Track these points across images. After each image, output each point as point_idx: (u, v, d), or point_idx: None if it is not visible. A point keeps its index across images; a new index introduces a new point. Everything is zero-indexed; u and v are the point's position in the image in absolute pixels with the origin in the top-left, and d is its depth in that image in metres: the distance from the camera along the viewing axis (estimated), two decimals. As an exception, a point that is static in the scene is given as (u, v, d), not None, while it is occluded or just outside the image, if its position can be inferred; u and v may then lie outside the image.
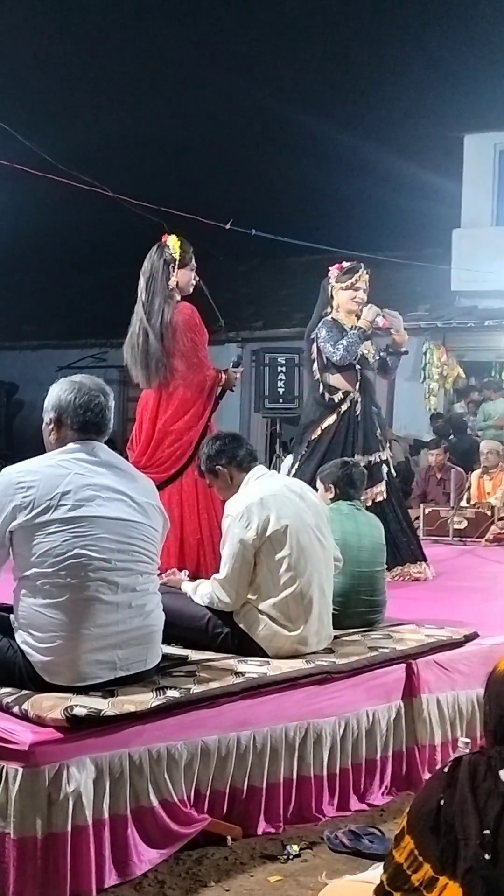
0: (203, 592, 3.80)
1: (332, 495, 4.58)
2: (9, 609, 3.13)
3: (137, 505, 3.14)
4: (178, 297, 5.05)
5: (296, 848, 3.13)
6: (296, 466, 5.98)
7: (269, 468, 4.34)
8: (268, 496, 3.76)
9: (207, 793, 3.12)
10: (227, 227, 8.56)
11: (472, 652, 4.09)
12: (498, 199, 15.31)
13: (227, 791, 3.18)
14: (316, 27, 16.64)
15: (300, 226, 12.50)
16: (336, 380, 6.02)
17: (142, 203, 8.02)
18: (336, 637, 3.95)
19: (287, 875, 2.97)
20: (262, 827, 3.23)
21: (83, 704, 2.84)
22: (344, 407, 5.99)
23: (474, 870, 1.70)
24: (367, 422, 6.02)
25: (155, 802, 2.94)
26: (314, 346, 6.06)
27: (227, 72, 15.98)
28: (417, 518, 8.60)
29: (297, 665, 3.53)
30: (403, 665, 3.78)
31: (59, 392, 3.17)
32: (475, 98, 15.25)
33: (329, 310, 6.11)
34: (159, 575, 3.37)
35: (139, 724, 2.92)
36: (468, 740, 3.54)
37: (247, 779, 3.22)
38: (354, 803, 3.53)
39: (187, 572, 4.51)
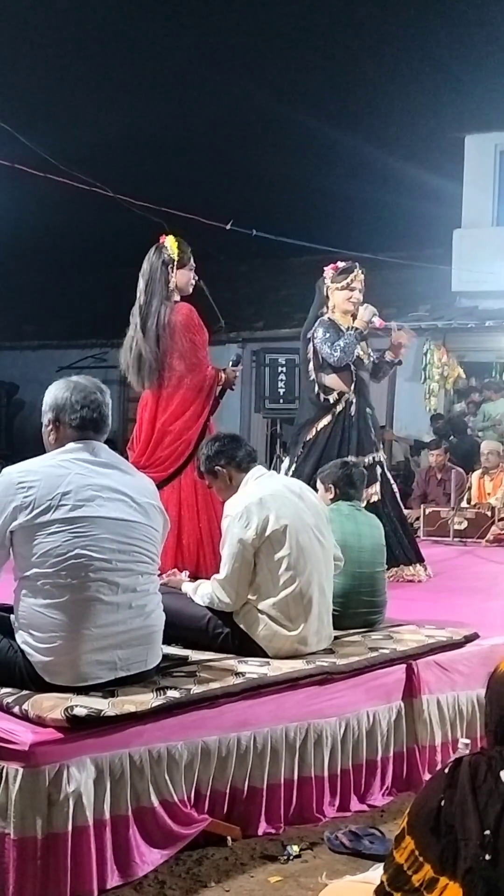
0: (203, 593, 3.80)
1: (331, 496, 4.58)
2: (9, 609, 3.13)
3: (138, 505, 3.14)
4: (178, 298, 5.06)
5: (296, 848, 3.13)
6: (292, 468, 5.96)
7: (269, 469, 4.35)
8: (267, 496, 3.76)
9: (208, 793, 3.12)
10: (228, 227, 8.56)
11: (473, 652, 4.10)
12: (498, 199, 15.30)
13: (228, 791, 3.18)
14: (317, 27, 16.65)
15: (301, 226, 12.50)
16: (331, 380, 5.99)
17: (142, 203, 8.02)
18: (336, 637, 3.95)
19: (287, 876, 2.97)
20: (262, 827, 3.23)
21: (83, 704, 2.84)
22: (339, 407, 5.97)
23: (474, 870, 1.70)
24: (362, 422, 6.00)
25: (156, 803, 2.94)
26: (310, 345, 6.03)
27: (228, 72, 15.99)
28: (418, 518, 8.60)
29: (297, 665, 3.53)
30: (404, 666, 3.78)
31: (55, 392, 3.18)
32: (476, 98, 15.26)
33: (325, 310, 6.09)
34: (160, 575, 3.37)
35: (139, 724, 2.92)
36: (468, 741, 3.53)
37: (247, 779, 3.22)
38: (355, 804, 3.53)
39: (188, 573, 4.51)
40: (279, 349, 14.27)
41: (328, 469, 4.74)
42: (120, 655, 3.05)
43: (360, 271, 6.05)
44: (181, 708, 3.04)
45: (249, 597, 3.72)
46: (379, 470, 6.00)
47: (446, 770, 1.82)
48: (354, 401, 5.99)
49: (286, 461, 6.42)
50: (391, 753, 3.70)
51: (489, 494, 8.99)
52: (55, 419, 3.17)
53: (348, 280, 6.01)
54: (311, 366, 6.04)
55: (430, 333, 14.61)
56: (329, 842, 3.18)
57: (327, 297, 6.09)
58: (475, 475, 9.44)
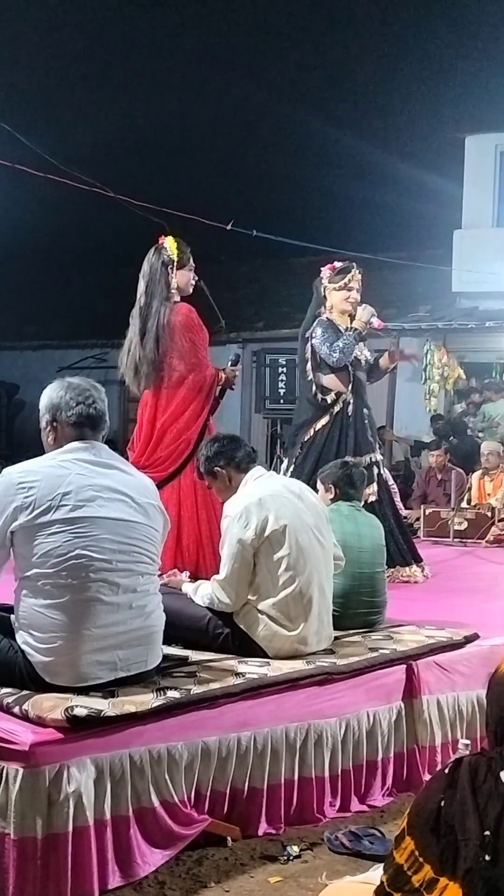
0: (203, 593, 3.81)
1: (331, 496, 4.58)
2: (9, 609, 3.13)
3: (138, 505, 3.14)
4: (178, 298, 5.06)
5: (296, 849, 3.13)
6: (290, 469, 5.93)
7: (270, 469, 4.35)
8: (266, 496, 3.76)
9: (208, 793, 3.12)
10: (229, 227, 8.55)
11: (473, 653, 4.10)
12: (499, 200, 15.31)
13: (228, 792, 3.18)
14: (317, 27, 16.63)
15: (301, 226, 12.50)
16: (329, 380, 5.97)
17: (143, 203, 8.00)
18: (336, 638, 3.95)
19: (287, 876, 2.98)
20: (262, 828, 3.23)
21: (83, 705, 2.84)
22: (336, 408, 5.95)
23: (474, 871, 1.70)
24: (359, 423, 5.98)
25: (156, 803, 2.94)
26: (308, 345, 6.01)
27: (229, 72, 15.98)
28: (418, 519, 8.60)
29: (297, 666, 3.53)
30: (404, 666, 3.79)
31: (50, 394, 3.20)
32: (476, 99, 15.25)
33: (322, 310, 6.06)
34: (160, 576, 3.37)
35: (139, 724, 2.92)
36: (468, 742, 3.53)
37: (247, 780, 3.22)
38: (355, 804, 3.53)
39: (188, 573, 4.51)
40: (280, 349, 14.29)
41: (328, 469, 4.74)
42: (120, 656, 3.05)
43: (357, 271, 6.03)
44: (181, 708, 3.04)
45: (249, 597, 3.72)
46: (376, 470, 5.99)
47: (446, 770, 1.82)
48: (352, 401, 5.97)
49: (285, 462, 6.41)
50: (391, 754, 3.70)
51: (489, 495, 8.99)
52: (52, 419, 3.18)
53: (346, 280, 5.99)
54: (308, 366, 6.02)
55: (431, 334, 14.61)
56: (329, 842, 3.18)
57: (325, 297, 6.06)
58: (475, 476, 9.44)
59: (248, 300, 17.96)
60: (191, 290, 5.15)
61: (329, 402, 5.96)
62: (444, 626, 4.33)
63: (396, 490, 6.30)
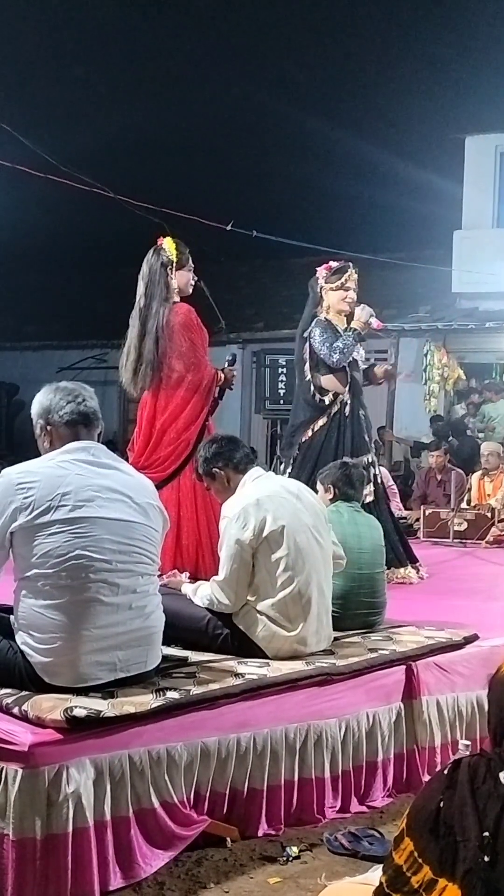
0: (202, 594, 3.81)
1: (331, 496, 4.58)
2: (9, 610, 3.13)
3: (137, 505, 3.14)
4: (177, 299, 5.06)
5: (295, 850, 3.13)
6: (288, 470, 5.89)
7: (270, 469, 4.34)
8: (264, 497, 3.76)
9: (207, 794, 3.12)
10: (229, 228, 8.56)
11: (472, 654, 4.10)
12: (499, 200, 15.31)
13: (227, 793, 3.18)
14: (318, 28, 16.64)
15: (301, 227, 12.50)
16: (327, 381, 5.94)
17: (143, 204, 8.01)
18: (336, 638, 3.95)
19: (286, 877, 2.97)
20: (262, 829, 3.23)
21: (83, 705, 2.84)
22: (334, 409, 5.92)
23: (473, 872, 1.70)
24: (356, 423, 5.96)
25: (156, 804, 2.94)
26: (306, 346, 5.98)
27: (229, 72, 15.99)
28: (418, 520, 8.60)
29: (296, 666, 3.53)
30: (403, 667, 3.78)
31: (40, 399, 3.23)
32: (476, 100, 15.27)
33: (319, 310, 6.03)
34: (159, 576, 3.37)
35: (139, 725, 2.92)
36: (468, 742, 3.53)
37: (247, 780, 3.22)
38: (355, 805, 3.53)
39: (187, 574, 4.51)
40: (279, 350, 14.29)
41: (327, 470, 4.74)
42: (120, 656, 3.05)
43: (353, 271, 5.99)
44: (181, 709, 3.04)
45: (248, 598, 3.72)
46: (372, 471, 5.98)
47: (446, 771, 1.82)
48: (349, 401, 5.95)
49: (283, 463, 6.39)
50: (391, 755, 3.70)
51: (489, 496, 8.99)
52: (46, 423, 3.19)
53: (343, 280, 5.97)
54: (307, 366, 5.98)
55: (431, 335, 14.62)
56: (328, 843, 3.18)
57: (321, 297, 6.03)
58: (475, 476, 9.44)
59: (248, 300, 17.96)
60: (190, 291, 5.15)
61: (327, 402, 5.94)
62: (443, 626, 4.33)
63: (396, 490, 6.30)
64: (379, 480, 6.06)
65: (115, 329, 5.74)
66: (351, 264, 6.09)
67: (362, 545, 4.40)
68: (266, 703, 3.30)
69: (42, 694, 2.92)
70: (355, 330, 5.91)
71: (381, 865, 1.90)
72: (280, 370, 16.36)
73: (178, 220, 7.54)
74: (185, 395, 5.00)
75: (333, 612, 3.95)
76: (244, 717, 3.22)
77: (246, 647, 3.67)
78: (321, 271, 6.06)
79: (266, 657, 3.63)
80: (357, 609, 4.28)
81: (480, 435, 13.33)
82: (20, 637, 3.01)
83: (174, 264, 5.01)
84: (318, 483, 4.69)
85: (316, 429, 5.93)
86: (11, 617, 3.09)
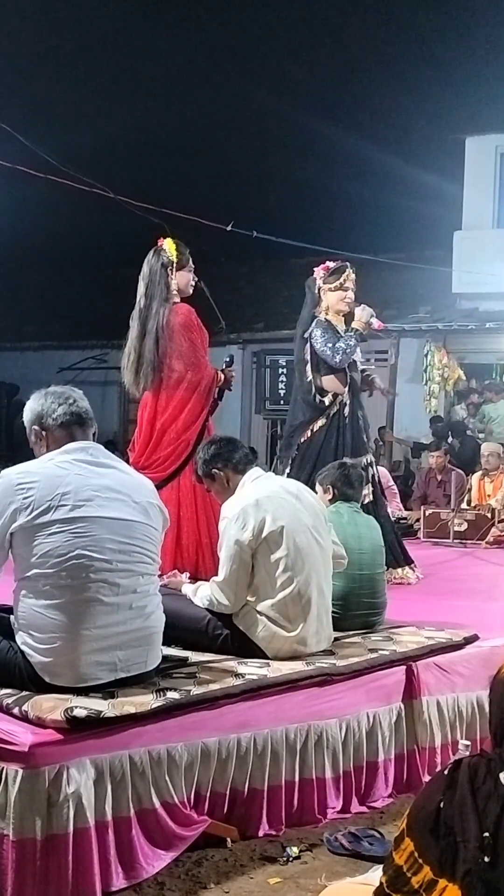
0: (202, 595, 3.81)
1: (330, 497, 4.58)
2: (9, 610, 3.13)
3: (137, 504, 3.14)
4: (178, 299, 5.06)
5: (295, 850, 3.13)
6: (287, 470, 5.87)
7: (269, 470, 4.34)
8: (263, 497, 3.76)
9: (208, 794, 3.12)
10: (229, 228, 8.56)
11: (472, 654, 4.09)
12: (499, 201, 15.31)
13: (228, 793, 3.18)
14: (318, 29, 16.65)
15: (301, 227, 12.48)
16: (328, 381, 5.92)
17: (143, 204, 8.00)
18: (336, 639, 3.95)
19: (287, 877, 2.97)
20: (262, 829, 3.23)
21: (83, 706, 2.84)
22: (333, 409, 5.91)
23: (473, 872, 1.70)
24: (355, 424, 5.94)
25: (157, 804, 2.94)
26: (307, 346, 5.96)
27: (229, 73, 15.99)
28: (418, 520, 8.60)
29: (296, 667, 3.53)
30: (403, 667, 3.78)
31: (31, 405, 3.26)
32: (476, 100, 15.27)
33: (318, 310, 6.01)
34: (160, 577, 3.37)
35: (139, 725, 2.92)
36: (468, 743, 3.53)
37: (247, 781, 3.22)
38: (355, 805, 3.53)
39: (188, 574, 4.51)
40: (280, 350, 14.29)
41: (326, 470, 4.74)
42: (120, 656, 3.05)
43: (351, 271, 5.98)
44: (181, 709, 3.04)
45: (248, 598, 3.72)
46: (371, 471, 5.97)
47: (446, 772, 1.82)
48: (348, 402, 5.94)
49: (282, 463, 6.38)
50: (391, 755, 3.70)
51: (489, 496, 8.99)
52: (40, 428, 3.21)
53: (341, 280, 5.95)
54: (307, 367, 5.97)
55: (431, 335, 14.63)
56: (328, 843, 3.18)
57: (320, 298, 6.01)
58: (475, 477, 9.44)
59: (249, 301, 17.95)
60: (191, 291, 5.16)
61: (327, 403, 5.93)
62: (443, 627, 4.33)
63: (396, 491, 6.29)
64: (377, 481, 6.06)
65: (115, 329, 5.75)
66: (348, 264, 6.07)
67: (362, 546, 4.40)
68: (266, 704, 3.30)
69: (42, 694, 2.92)
70: (357, 330, 5.91)
71: (381, 866, 1.90)
72: (280, 370, 16.37)
73: (178, 221, 7.53)
74: (185, 396, 5.00)
75: (334, 612, 3.95)
76: (244, 717, 3.22)
77: (246, 648, 3.67)
78: (318, 272, 6.05)
79: (266, 657, 3.63)
80: (357, 609, 4.28)
81: (480, 435, 13.33)
82: (20, 637, 3.01)
83: (174, 265, 5.02)
84: (317, 484, 4.69)
85: (315, 429, 5.92)
86: (11, 617, 3.09)
